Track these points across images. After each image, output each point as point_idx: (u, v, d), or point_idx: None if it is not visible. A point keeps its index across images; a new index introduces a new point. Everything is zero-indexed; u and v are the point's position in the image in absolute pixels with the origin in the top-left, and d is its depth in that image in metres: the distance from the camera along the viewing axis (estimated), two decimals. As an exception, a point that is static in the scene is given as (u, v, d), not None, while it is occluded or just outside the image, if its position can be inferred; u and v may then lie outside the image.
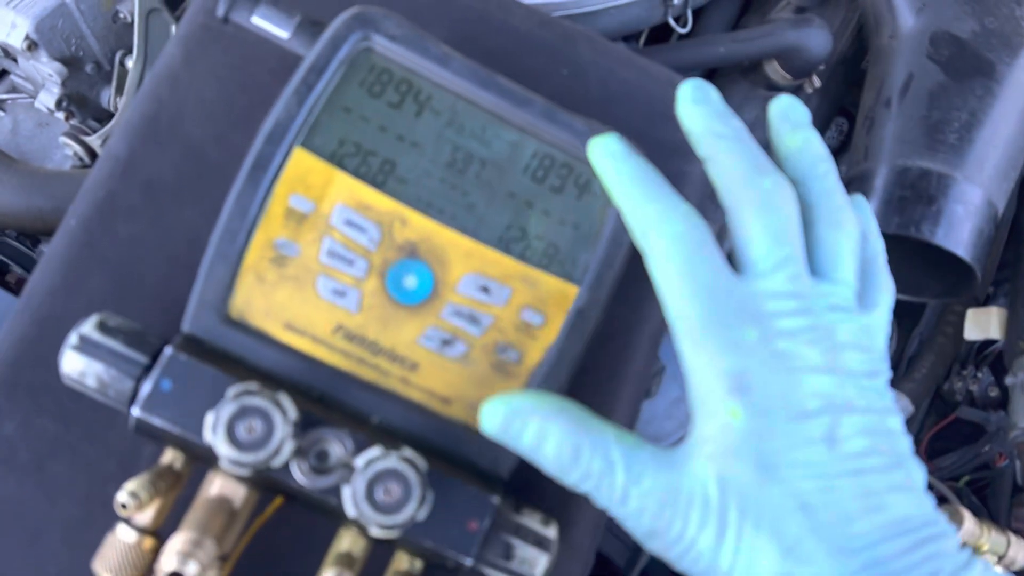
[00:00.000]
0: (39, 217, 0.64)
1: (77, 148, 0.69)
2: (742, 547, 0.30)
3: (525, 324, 0.40)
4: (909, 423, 0.75)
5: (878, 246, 0.37)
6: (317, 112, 0.39)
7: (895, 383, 0.76)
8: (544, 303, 0.40)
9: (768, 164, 0.33)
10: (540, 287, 0.40)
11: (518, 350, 0.39)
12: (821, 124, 0.77)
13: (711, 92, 0.34)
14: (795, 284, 0.32)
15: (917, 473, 0.32)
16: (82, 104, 0.71)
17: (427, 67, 0.40)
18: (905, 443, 0.33)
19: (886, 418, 0.32)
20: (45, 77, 0.67)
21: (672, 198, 0.32)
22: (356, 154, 0.39)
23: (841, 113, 0.86)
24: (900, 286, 0.70)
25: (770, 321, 0.31)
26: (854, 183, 0.62)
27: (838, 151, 0.88)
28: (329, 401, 0.37)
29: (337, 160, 0.39)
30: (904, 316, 0.82)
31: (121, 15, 0.69)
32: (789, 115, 0.35)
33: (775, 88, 0.71)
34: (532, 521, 0.38)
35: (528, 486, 0.43)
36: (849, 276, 0.34)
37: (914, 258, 0.67)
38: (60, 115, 0.70)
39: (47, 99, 0.68)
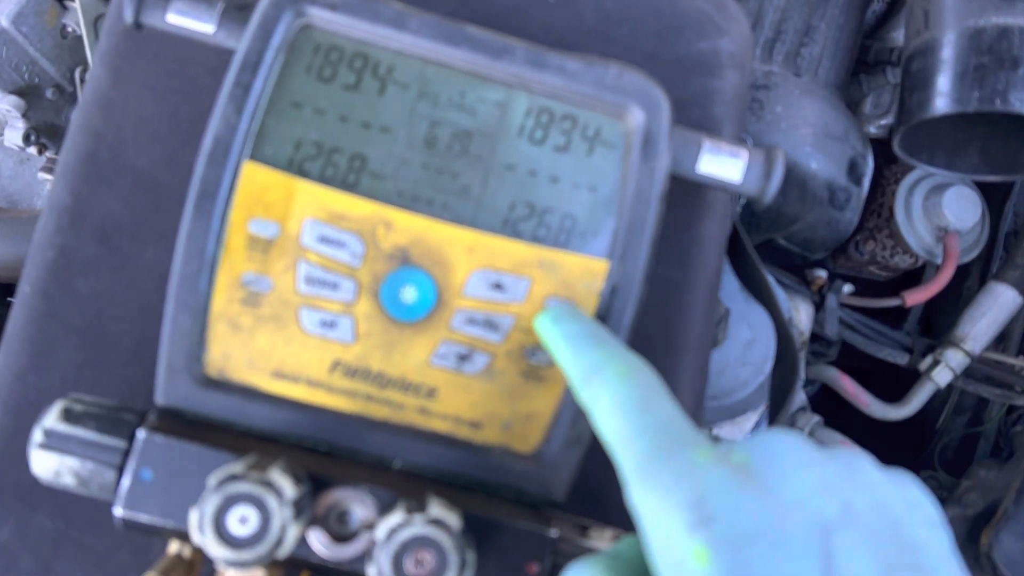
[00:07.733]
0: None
1: (58, 181, 0.64)
2: None
3: None
4: (1017, 315, 0.66)
5: None
6: (261, 115, 0.32)
7: (996, 274, 0.67)
8: (571, 288, 0.33)
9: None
10: (563, 270, 0.33)
11: (550, 350, 0.33)
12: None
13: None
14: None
15: None
16: (52, 133, 0.66)
17: (381, 33, 0.33)
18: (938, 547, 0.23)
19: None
20: (4, 114, 0.62)
21: (615, 342, 0.29)
22: (317, 156, 0.32)
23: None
24: (991, 166, 0.61)
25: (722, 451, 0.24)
26: (916, 58, 0.53)
27: (885, 15, 0.77)
28: (341, 452, 0.32)
29: (296, 167, 0.32)
30: (991, 188, 0.73)
31: (69, 28, 0.63)
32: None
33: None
34: (602, 542, 0.32)
35: (592, 497, 0.37)
36: None
37: (1002, 131, 0.58)
38: (32, 150, 0.65)
39: (13, 136, 0.63)
